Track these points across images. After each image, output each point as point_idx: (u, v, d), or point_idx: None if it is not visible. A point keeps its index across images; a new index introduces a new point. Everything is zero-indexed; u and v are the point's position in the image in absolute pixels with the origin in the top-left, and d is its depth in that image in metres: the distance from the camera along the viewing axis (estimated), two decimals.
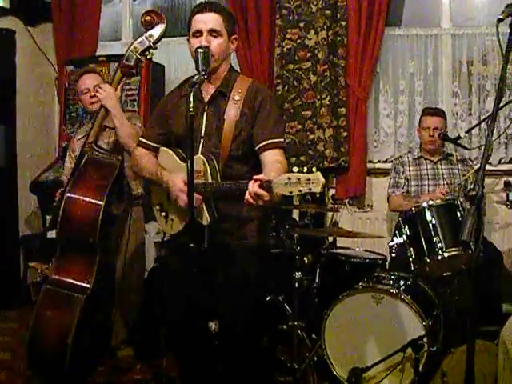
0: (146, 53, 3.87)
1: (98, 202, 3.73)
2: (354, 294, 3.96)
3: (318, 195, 2.57)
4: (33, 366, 3.83)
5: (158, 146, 3.28)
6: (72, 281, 3.73)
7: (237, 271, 3.11)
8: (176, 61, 6.28)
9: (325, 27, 5.65)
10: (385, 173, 5.64)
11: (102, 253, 3.80)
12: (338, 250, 4.79)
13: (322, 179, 2.49)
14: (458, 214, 4.12)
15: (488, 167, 2.75)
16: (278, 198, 2.66)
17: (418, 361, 3.64)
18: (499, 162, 5.58)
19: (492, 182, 5.38)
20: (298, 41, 5.75)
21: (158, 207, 3.28)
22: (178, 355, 3.62)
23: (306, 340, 4.10)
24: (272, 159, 3.01)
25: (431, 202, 4.21)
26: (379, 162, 5.98)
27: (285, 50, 5.78)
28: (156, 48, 3.86)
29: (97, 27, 6.50)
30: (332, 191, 5.88)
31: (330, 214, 5.66)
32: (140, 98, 5.74)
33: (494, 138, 2.51)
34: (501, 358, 3.11)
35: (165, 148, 3.24)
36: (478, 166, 2.57)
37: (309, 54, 5.73)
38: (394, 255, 4.31)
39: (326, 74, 5.67)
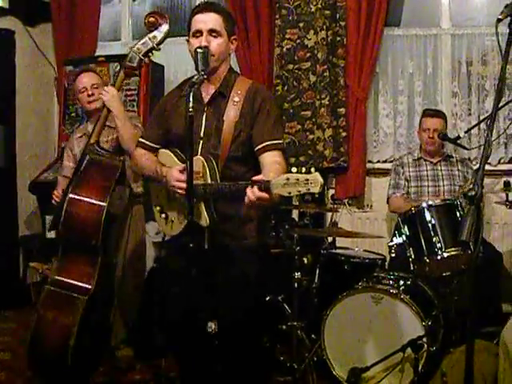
0: (149, 54, 3.87)
1: (101, 204, 3.72)
2: (354, 294, 3.96)
3: (316, 195, 2.57)
4: (33, 366, 3.83)
5: (157, 146, 3.27)
6: (74, 282, 3.72)
7: (236, 271, 3.11)
8: (175, 61, 6.27)
9: (324, 27, 5.65)
10: (384, 173, 5.65)
11: (102, 253, 3.80)
12: (338, 250, 4.79)
13: (321, 179, 2.49)
14: (458, 214, 4.13)
15: (487, 167, 2.76)
16: (277, 198, 2.66)
17: (418, 361, 3.64)
18: (499, 162, 5.58)
19: (491, 182, 5.38)
20: (298, 41, 5.75)
21: (158, 208, 3.28)
22: (178, 355, 3.62)
23: (306, 340, 4.10)
24: (271, 160, 3.00)
25: (430, 202, 4.22)
26: (378, 162, 5.98)
27: (284, 50, 5.78)
28: (159, 49, 3.85)
29: (96, 27, 6.50)
30: (331, 191, 5.88)
31: (329, 214, 5.66)
32: (139, 98, 5.74)
33: (493, 138, 2.51)
34: (501, 359, 3.11)
35: (164, 150, 3.24)
36: (478, 166, 2.57)
37: (308, 54, 5.73)
38: (393, 255, 4.31)
39: (325, 74, 5.67)
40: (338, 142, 5.72)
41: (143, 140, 3.33)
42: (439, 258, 4.03)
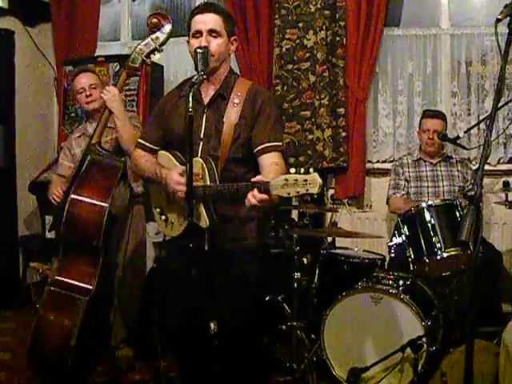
0: (152, 55, 3.86)
1: (103, 204, 3.72)
2: (353, 294, 3.96)
3: (315, 196, 2.57)
4: (34, 366, 3.83)
5: (156, 148, 3.27)
6: (75, 282, 3.72)
7: (236, 272, 3.11)
8: (175, 61, 6.27)
9: (324, 27, 5.65)
10: (384, 173, 5.65)
11: (103, 253, 3.80)
12: (337, 250, 4.79)
13: (319, 180, 2.49)
14: (457, 214, 4.13)
15: (487, 167, 2.76)
16: (276, 199, 2.66)
17: (417, 361, 3.64)
18: (498, 162, 5.58)
19: (491, 182, 5.38)
20: (297, 41, 5.75)
21: (158, 210, 3.28)
22: (178, 355, 3.62)
23: (305, 340, 4.10)
24: (270, 162, 3.01)
25: (430, 202, 4.22)
26: (378, 162, 5.98)
27: (284, 50, 5.78)
28: (162, 51, 3.85)
29: (96, 27, 6.49)
30: (331, 191, 5.88)
31: (329, 214, 5.66)
32: (139, 99, 5.73)
33: (492, 138, 2.51)
34: (502, 360, 3.11)
35: (163, 152, 3.24)
36: (477, 166, 2.57)
37: (308, 54, 5.73)
38: (393, 255, 4.33)
39: (324, 74, 5.68)
40: (337, 142, 5.72)
41: (142, 141, 3.33)
42: (439, 257, 4.04)
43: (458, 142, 4.95)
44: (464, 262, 4.07)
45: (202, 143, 3.09)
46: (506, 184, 4.72)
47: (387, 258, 4.53)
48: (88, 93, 4.33)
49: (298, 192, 2.51)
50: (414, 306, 3.78)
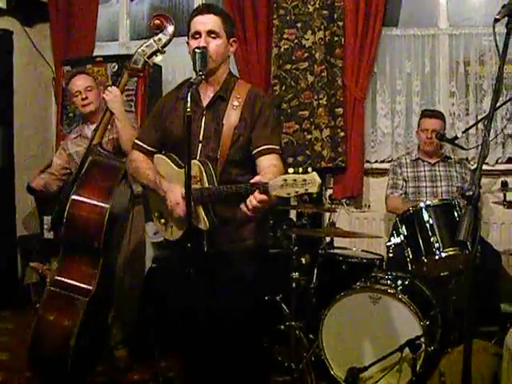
0: (154, 56, 3.86)
1: (104, 205, 3.71)
2: (352, 294, 3.96)
3: (314, 195, 2.57)
4: (34, 367, 3.82)
5: (154, 149, 3.27)
6: (75, 283, 3.71)
7: (235, 272, 3.11)
8: (173, 61, 6.26)
9: (322, 27, 5.65)
10: (382, 173, 5.65)
11: (104, 254, 3.79)
12: (336, 250, 4.80)
13: (318, 179, 2.50)
14: (455, 213, 4.14)
15: (485, 167, 2.76)
16: (274, 199, 2.66)
17: (416, 361, 3.64)
18: (496, 162, 5.58)
19: (489, 181, 5.38)
20: (295, 41, 5.75)
21: (156, 214, 3.27)
22: (177, 356, 3.63)
23: (304, 340, 4.11)
24: (268, 163, 3.01)
25: (428, 202, 4.22)
26: (376, 162, 5.98)
27: (282, 50, 5.78)
28: (164, 52, 3.84)
29: (94, 27, 6.48)
30: (329, 191, 5.88)
31: (327, 214, 5.66)
32: (137, 99, 5.73)
33: (490, 138, 2.51)
34: (505, 363, 3.11)
35: (160, 155, 3.24)
36: (475, 166, 2.57)
37: (306, 54, 5.73)
38: (391, 255, 4.32)
39: (323, 74, 5.68)
40: (335, 142, 5.72)
41: (140, 142, 3.32)
42: (437, 257, 4.04)
43: (456, 142, 4.96)
44: (462, 262, 4.07)
45: (201, 145, 3.09)
46: (504, 184, 4.73)
47: (385, 258, 4.53)
48: (84, 96, 4.33)
49: (297, 192, 2.52)
50: (413, 305, 3.79)
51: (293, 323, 4.04)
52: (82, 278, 3.72)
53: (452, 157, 5.16)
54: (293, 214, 5.53)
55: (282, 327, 4.17)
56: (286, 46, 5.77)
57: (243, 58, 5.88)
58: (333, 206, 5.76)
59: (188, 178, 2.73)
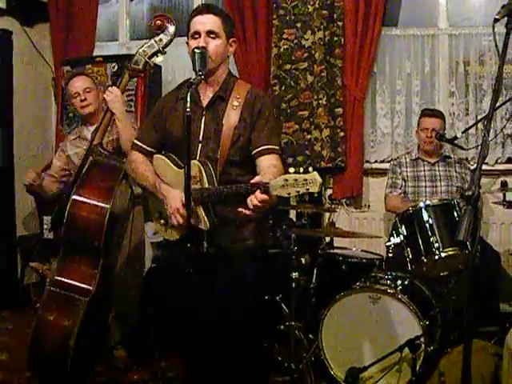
0: (154, 57, 3.86)
1: (105, 206, 3.71)
2: (351, 294, 3.96)
3: (315, 195, 2.58)
4: (33, 367, 3.82)
5: (153, 150, 3.27)
6: (75, 283, 3.71)
7: (235, 273, 3.12)
8: (173, 62, 6.26)
9: (322, 27, 5.65)
10: (382, 173, 5.65)
11: (104, 254, 3.79)
12: (335, 250, 4.80)
13: (319, 179, 2.50)
14: (455, 213, 4.14)
15: (485, 167, 2.76)
16: (275, 199, 2.67)
17: (415, 361, 3.65)
18: (496, 162, 5.58)
19: (489, 181, 5.38)
20: (295, 41, 5.76)
21: (156, 214, 3.27)
22: (176, 356, 3.63)
23: (304, 340, 4.11)
24: (268, 163, 3.01)
25: (428, 202, 4.22)
26: (376, 162, 5.98)
27: (282, 50, 5.78)
28: (165, 53, 3.84)
29: (94, 27, 6.48)
30: (329, 191, 5.88)
31: (327, 214, 5.66)
32: (137, 99, 5.73)
33: (490, 138, 2.51)
34: (505, 363, 3.11)
35: (159, 156, 3.24)
36: (475, 166, 2.57)
37: (306, 54, 5.74)
38: (391, 255, 4.32)
39: (322, 74, 5.68)
40: (335, 142, 5.73)
41: (139, 143, 3.32)
42: (437, 257, 4.04)
43: (456, 142, 4.95)
44: (462, 262, 4.07)
45: (200, 145, 3.09)
46: (503, 184, 4.73)
47: (385, 258, 4.53)
48: (83, 97, 4.33)
49: (298, 192, 2.52)
50: (412, 305, 3.79)
51: (292, 323, 4.04)
52: (82, 278, 3.72)
53: (452, 156, 5.16)
54: (292, 214, 5.52)
55: (282, 327, 4.17)
56: (285, 46, 5.77)
57: (243, 58, 5.88)
58: (332, 206, 5.76)
59: (187, 178, 2.73)
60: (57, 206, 4.20)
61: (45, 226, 5.58)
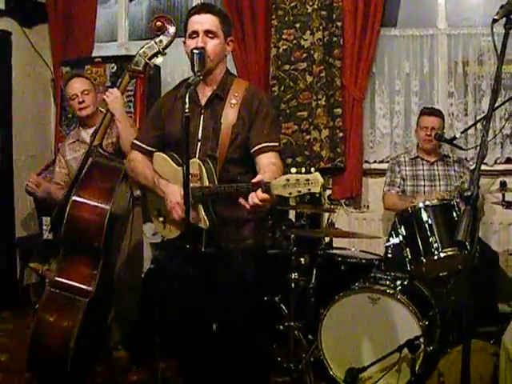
0: (155, 58, 3.86)
1: (105, 207, 3.71)
2: (351, 295, 3.96)
3: (317, 195, 2.58)
4: (33, 368, 3.82)
5: (152, 149, 3.27)
6: (75, 284, 3.71)
7: (234, 273, 3.11)
8: (172, 62, 6.25)
9: (321, 28, 5.65)
10: (381, 173, 5.64)
11: (104, 255, 3.79)
12: (335, 251, 4.80)
13: (321, 179, 2.51)
14: (454, 214, 4.13)
15: (484, 167, 2.76)
16: (275, 198, 2.67)
17: (415, 361, 3.65)
18: (495, 162, 5.58)
19: (488, 182, 5.38)
20: (294, 41, 5.76)
21: (155, 212, 3.27)
22: (176, 356, 3.62)
23: (303, 340, 4.11)
24: (267, 161, 3.01)
25: (427, 203, 4.22)
26: (375, 162, 5.98)
27: (281, 50, 5.78)
28: (165, 54, 3.84)
29: (93, 28, 6.48)
30: (328, 192, 5.88)
31: (326, 214, 5.66)
32: (136, 100, 5.73)
33: (489, 139, 2.51)
34: (503, 363, 3.12)
35: (159, 153, 3.24)
36: (474, 166, 2.57)
37: (305, 55, 5.74)
38: (390, 255, 4.32)
39: (321, 74, 5.68)
40: (334, 143, 5.73)
41: (139, 142, 3.32)
42: (436, 258, 4.04)
43: (455, 142, 4.95)
44: (461, 262, 4.07)
45: (199, 144, 3.09)
46: (502, 184, 4.73)
47: (384, 259, 4.53)
48: (81, 99, 4.32)
49: (299, 191, 2.53)
50: (412, 306, 3.79)
51: (292, 324, 4.04)
52: (82, 279, 3.72)
53: (450, 156, 5.16)
54: (292, 215, 5.52)
55: (281, 328, 4.17)
56: (284, 47, 5.77)
57: (242, 59, 5.88)
58: (332, 207, 5.76)
59: (187, 178, 2.73)
60: (56, 206, 4.20)
61: (44, 227, 5.58)
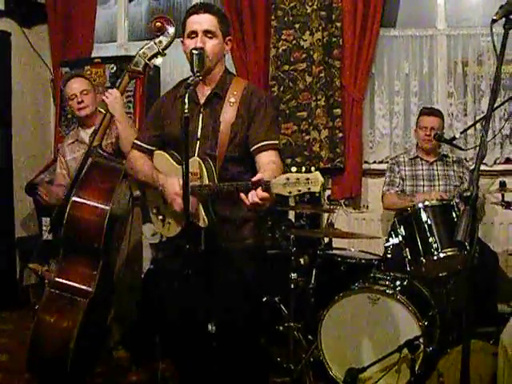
0: (154, 58, 3.86)
1: (104, 207, 3.70)
2: (350, 295, 3.96)
3: (317, 194, 2.59)
4: (33, 368, 3.82)
5: (152, 148, 3.27)
6: (75, 284, 3.70)
7: (234, 273, 3.11)
8: (171, 62, 6.26)
9: (320, 28, 5.65)
10: (380, 173, 5.64)
11: (104, 256, 3.79)
12: (334, 251, 4.80)
13: (321, 178, 2.50)
14: (454, 214, 4.14)
15: (483, 167, 2.76)
16: (274, 198, 2.67)
17: (414, 361, 3.65)
18: (494, 163, 5.58)
19: (487, 182, 5.38)
20: (294, 42, 5.76)
21: (154, 210, 3.27)
22: (175, 357, 3.62)
23: (303, 341, 4.11)
24: (267, 160, 3.01)
25: (427, 203, 4.22)
26: (375, 162, 5.99)
27: (280, 51, 5.78)
28: (165, 54, 3.84)
29: (92, 29, 6.48)
30: (328, 192, 5.88)
31: (325, 214, 5.66)
32: (135, 100, 5.73)
33: (488, 139, 2.51)
34: (501, 362, 3.12)
35: (159, 151, 3.24)
36: (474, 166, 2.57)
37: (304, 55, 5.74)
38: (389, 256, 4.32)
39: (321, 75, 5.68)
40: (334, 143, 5.73)
41: (139, 142, 3.33)
42: (435, 258, 4.04)
43: (455, 142, 4.95)
44: (460, 263, 4.08)
45: (199, 143, 3.09)
46: (502, 184, 4.73)
47: (384, 259, 4.53)
48: (80, 99, 4.33)
49: (299, 190, 2.52)
50: (411, 306, 3.79)
51: (291, 324, 4.04)
52: (82, 279, 3.72)
53: (450, 155, 5.16)
54: (291, 215, 5.52)
55: (281, 328, 4.17)
56: (284, 47, 5.77)
57: (241, 59, 5.88)
58: (331, 207, 5.76)
59: (186, 177, 2.73)
60: (56, 207, 4.20)
61: (44, 228, 5.58)
